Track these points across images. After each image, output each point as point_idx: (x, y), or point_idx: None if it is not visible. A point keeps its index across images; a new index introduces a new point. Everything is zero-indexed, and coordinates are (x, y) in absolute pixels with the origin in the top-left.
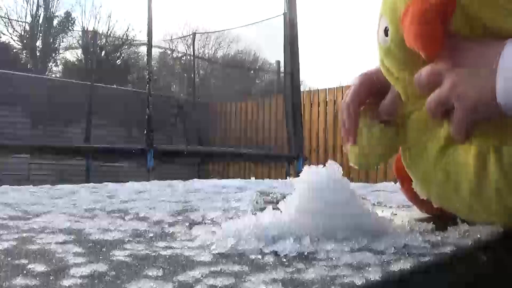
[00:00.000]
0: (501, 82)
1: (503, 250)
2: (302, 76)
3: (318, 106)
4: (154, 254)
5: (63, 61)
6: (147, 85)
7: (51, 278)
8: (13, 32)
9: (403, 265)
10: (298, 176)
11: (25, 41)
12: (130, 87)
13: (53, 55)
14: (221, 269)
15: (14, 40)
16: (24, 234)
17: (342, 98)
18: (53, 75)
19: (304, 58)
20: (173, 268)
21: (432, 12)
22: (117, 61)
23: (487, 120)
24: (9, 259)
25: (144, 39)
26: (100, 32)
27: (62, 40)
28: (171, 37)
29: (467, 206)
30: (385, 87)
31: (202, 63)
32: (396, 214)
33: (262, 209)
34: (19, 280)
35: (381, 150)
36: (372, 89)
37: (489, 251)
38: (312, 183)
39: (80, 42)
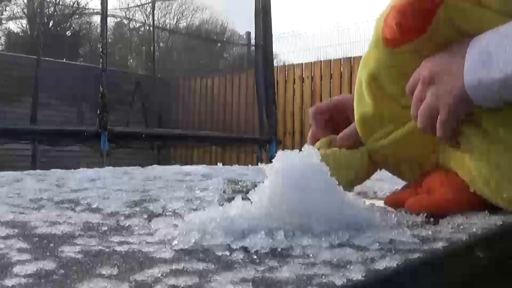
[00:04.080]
0: (467, 78)
1: (501, 245)
2: (275, 49)
3: (294, 83)
4: (108, 250)
5: (6, 32)
6: (101, 60)
7: None
8: None
9: (389, 262)
10: (271, 162)
11: None
12: (82, 62)
13: None
14: (183, 267)
15: None
16: None
17: (321, 74)
18: None
19: (277, 29)
20: (130, 266)
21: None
22: (67, 33)
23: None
24: None
25: (97, 7)
26: (48, 0)
27: (5, 9)
28: (128, 5)
29: None
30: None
31: (162, 34)
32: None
33: (230, 199)
34: None
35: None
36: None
37: (486, 247)
38: (286, 170)
39: (25, 10)
